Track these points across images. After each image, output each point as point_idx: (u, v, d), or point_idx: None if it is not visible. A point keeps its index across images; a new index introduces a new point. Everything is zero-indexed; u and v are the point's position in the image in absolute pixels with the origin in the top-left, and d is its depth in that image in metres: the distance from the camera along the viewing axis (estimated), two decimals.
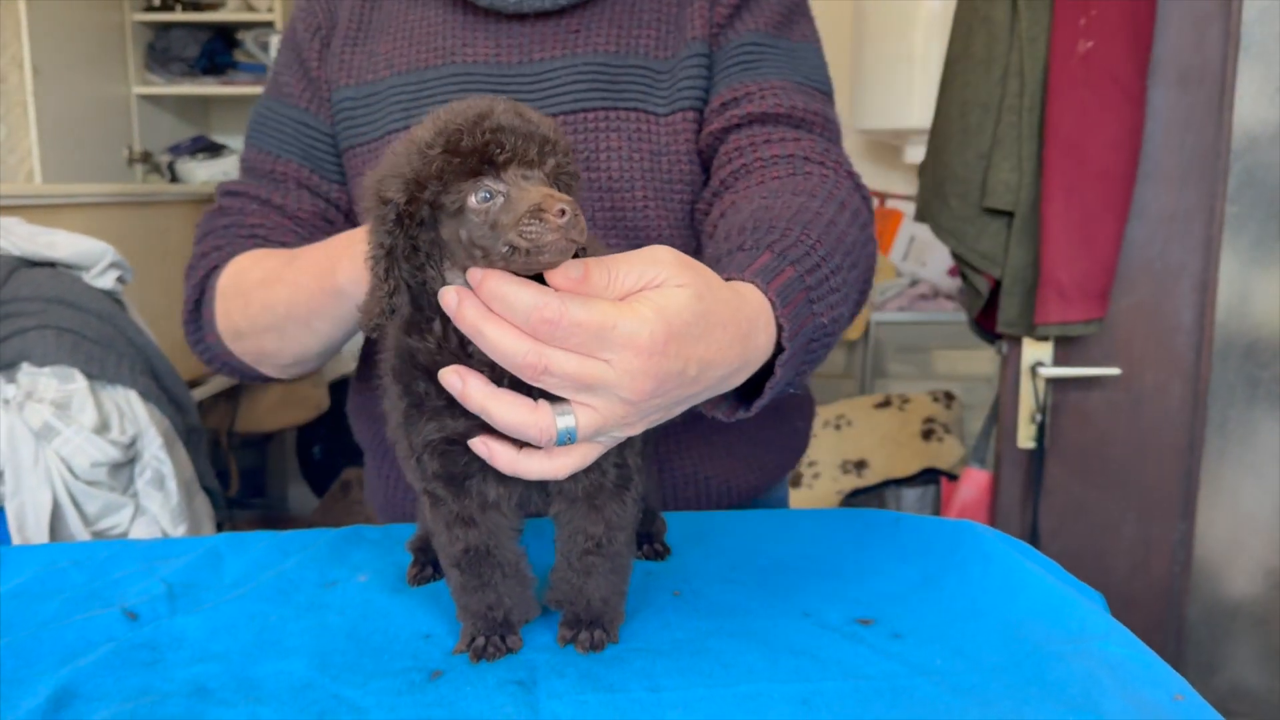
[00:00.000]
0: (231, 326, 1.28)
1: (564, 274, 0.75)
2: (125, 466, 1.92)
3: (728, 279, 0.86)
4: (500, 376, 0.79)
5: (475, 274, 0.76)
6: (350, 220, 1.37)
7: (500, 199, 0.74)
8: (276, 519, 4.22)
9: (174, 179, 4.46)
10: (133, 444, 1.93)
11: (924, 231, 3.85)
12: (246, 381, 1.38)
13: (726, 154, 1.24)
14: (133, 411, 1.98)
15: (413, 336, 0.83)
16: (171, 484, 1.94)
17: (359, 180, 1.32)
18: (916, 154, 3.45)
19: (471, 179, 0.75)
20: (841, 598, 1.00)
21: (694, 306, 0.77)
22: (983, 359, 3.74)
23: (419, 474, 0.87)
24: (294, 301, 1.17)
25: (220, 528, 2.41)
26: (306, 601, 1.02)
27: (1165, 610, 2.29)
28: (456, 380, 0.79)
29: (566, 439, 0.78)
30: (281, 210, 1.34)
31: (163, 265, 3.17)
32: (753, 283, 0.87)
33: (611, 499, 0.89)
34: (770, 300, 0.87)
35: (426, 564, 1.08)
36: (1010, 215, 2.13)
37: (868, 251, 1.10)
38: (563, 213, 0.70)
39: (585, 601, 0.91)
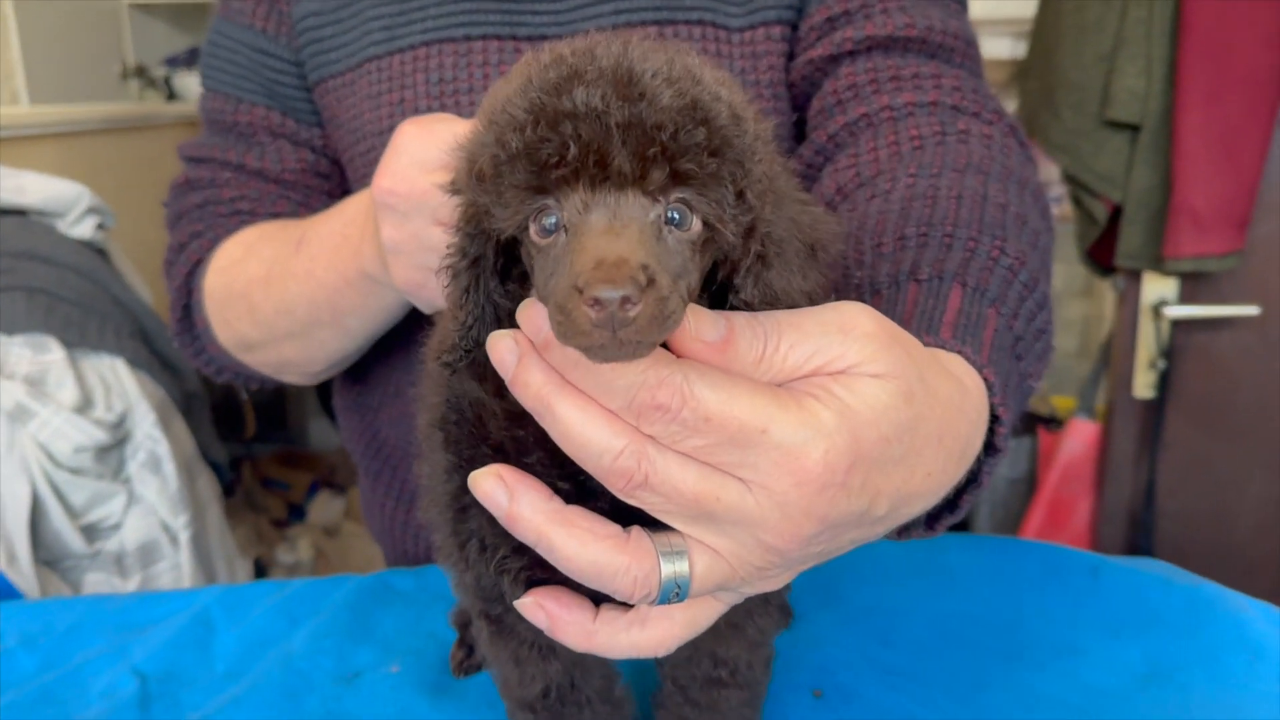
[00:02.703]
0: (238, 337, 1.01)
1: (694, 334, 0.47)
2: (114, 449, 1.66)
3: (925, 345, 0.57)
4: (577, 477, 0.51)
5: (534, 317, 0.48)
6: (344, 170, 1.08)
7: (564, 234, 0.46)
8: (298, 455, 3.99)
9: (171, 94, 4.13)
10: (121, 422, 1.67)
11: None
12: (266, 387, 1.10)
13: (836, 95, 0.92)
14: (120, 383, 1.71)
15: (485, 385, 0.55)
16: (169, 466, 1.69)
17: (336, 125, 1.03)
18: (994, 47, 3.06)
19: (529, 194, 0.46)
20: (1041, 697, 0.74)
21: (899, 414, 0.49)
22: (1061, 272, 3.39)
23: (476, 593, 0.61)
24: (315, 301, 0.91)
25: (231, 491, 2.17)
26: (322, 709, 0.77)
27: None
28: (500, 493, 0.51)
29: (674, 594, 0.51)
30: (261, 174, 1.05)
31: (159, 196, 2.88)
32: (960, 353, 0.59)
33: (754, 611, 0.62)
34: (988, 382, 0.58)
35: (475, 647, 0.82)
36: (1135, 129, 1.82)
37: (1050, 242, 0.80)
38: (598, 304, 0.41)
39: None
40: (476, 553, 0.57)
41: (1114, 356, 2.00)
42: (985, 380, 0.58)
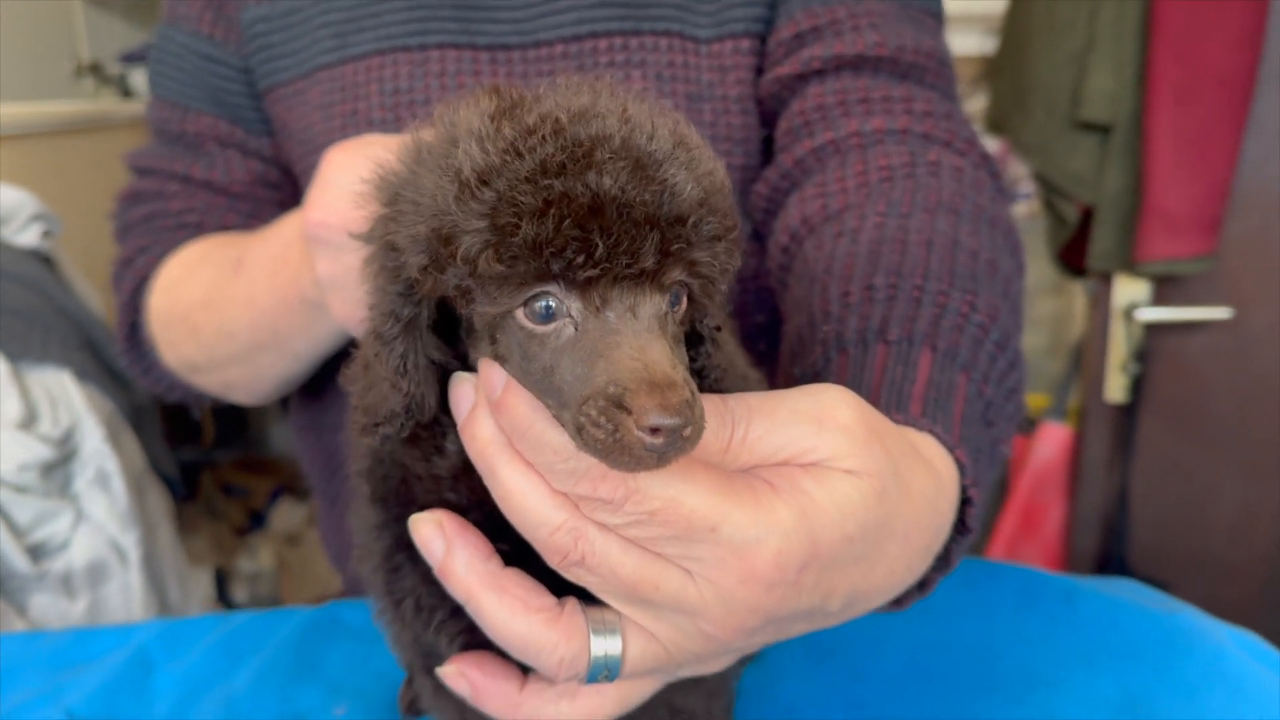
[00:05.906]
0: (183, 359, 0.98)
1: None
2: (61, 465, 1.60)
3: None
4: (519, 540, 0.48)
5: (491, 376, 0.45)
6: (294, 179, 1.04)
7: (570, 327, 0.43)
8: (260, 461, 3.92)
9: (127, 92, 4.04)
10: (68, 438, 1.61)
11: None
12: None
13: (803, 116, 0.89)
14: (67, 397, 1.65)
15: (414, 449, 0.51)
16: (118, 482, 1.63)
17: (287, 134, 0.99)
18: (964, 43, 3.03)
19: (527, 285, 0.42)
20: None
21: (867, 515, 0.47)
22: (1031, 269, 3.38)
23: (416, 650, 0.57)
24: (257, 325, 0.87)
25: (190, 497, 2.11)
26: None
27: (1268, 581, 2.01)
28: (437, 542, 0.49)
29: (603, 674, 0.49)
30: (209, 186, 1.01)
31: (111, 199, 2.81)
32: (931, 432, 0.56)
33: None
34: (960, 463, 0.56)
35: None
36: (1107, 130, 1.78)
37: (1021, 285, 0.77)
38: (658, 431, 0.39)
39: None
40: (412, 612, 0.53)
41: (1086, 360, 1.98)
42: (957, 461, 0.55)
